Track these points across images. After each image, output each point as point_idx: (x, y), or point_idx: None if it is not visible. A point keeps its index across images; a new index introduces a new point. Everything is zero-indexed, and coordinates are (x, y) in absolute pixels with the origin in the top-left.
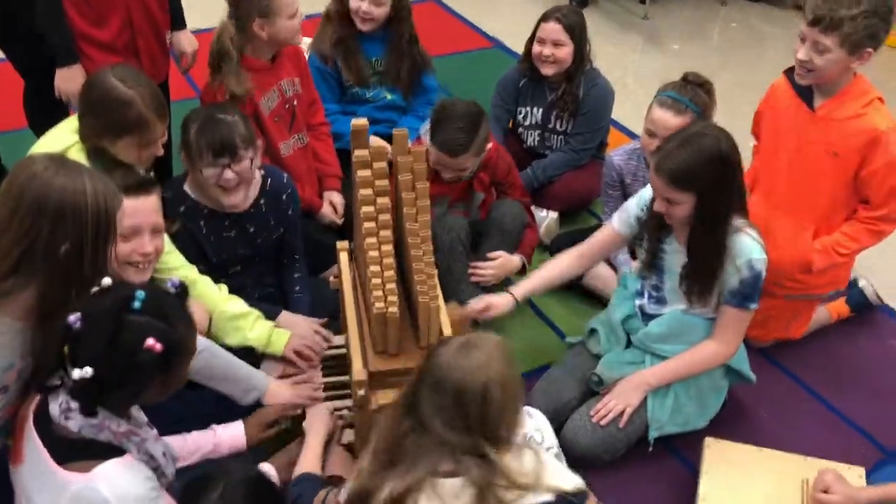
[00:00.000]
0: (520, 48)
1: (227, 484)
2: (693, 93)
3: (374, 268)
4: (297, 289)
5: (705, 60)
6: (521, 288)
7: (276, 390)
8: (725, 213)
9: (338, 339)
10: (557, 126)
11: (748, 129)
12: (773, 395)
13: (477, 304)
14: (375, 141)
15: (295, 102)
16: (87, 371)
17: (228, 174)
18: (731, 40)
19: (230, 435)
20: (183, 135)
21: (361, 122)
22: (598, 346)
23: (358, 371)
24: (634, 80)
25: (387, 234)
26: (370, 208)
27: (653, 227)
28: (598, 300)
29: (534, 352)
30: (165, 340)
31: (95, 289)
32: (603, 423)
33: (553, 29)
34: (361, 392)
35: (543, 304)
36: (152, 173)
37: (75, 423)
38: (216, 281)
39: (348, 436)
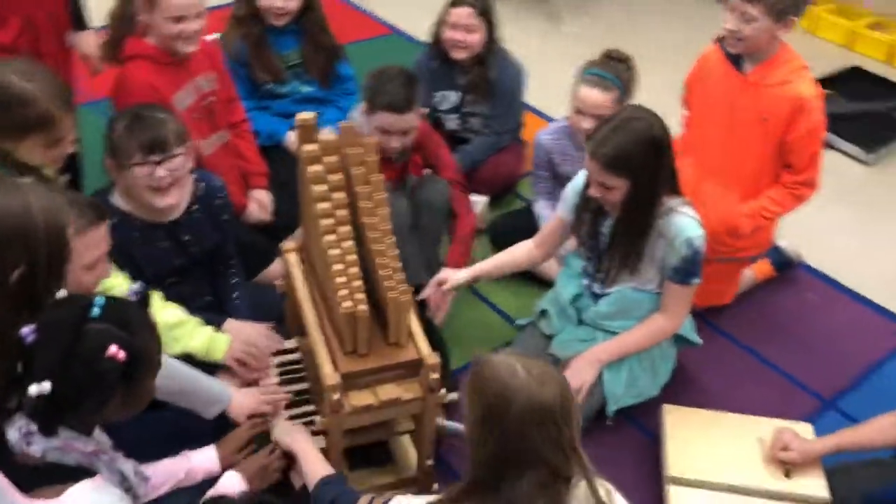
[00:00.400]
0: (417, 32)
1: None
2: (616, 69)
3: (337, 266)
4: (235, 295)
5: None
6: (482, 266)
7: (242, 400)
8: (657, 195)
9: (287, 344)
10: (474, 108)
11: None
12: (714, 357)
13: (435, 279)
14: (324, 134)
15: (213, 99)
16: (45, 386)
17: (161, 172)
18: (629, 20)
19: (203, 460)
20: (109, 137)
21: (308, 115)
22: (550, 327)
23: (329, 375)
24: (537, 62)
25: (346, 230)
26: (326, 205)
27: (589, 212)
28: (539, 282)
29: (482, 336)
30: (128, 348)
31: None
32: None
33: (465, 13)
34: (336, 396)
35: (488, 289)
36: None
37: (38, 447)
38: None
39: (318, 443)
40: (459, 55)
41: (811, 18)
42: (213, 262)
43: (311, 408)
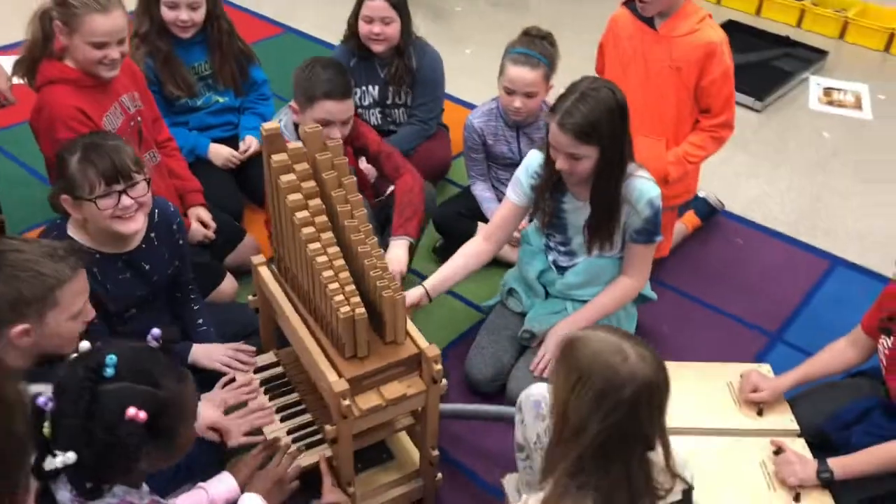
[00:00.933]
0: (306, 28)
1: None
2: (540, 46)
3: (328, 273)
4: (200, 321)
5: (486, 16)
6: (434, 281)
7: (203, 413)
8: (624, 161)
9: (263, 359)
10: (397, 100)
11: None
12: (665, 310)
13: None
14: (290, 143)
15: (140, 119)
16: (70, 457)
17: (126, 201)
18: None
19: (222, 490)
20: (61, 171)
21: (272, 125)
22: (520, 305)
23: (336, 383)
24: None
25: (328, 236)
26: (304, 213)
27: (549, 190)
28: (496, 263)
29: (448, 324)
30: (151, 405)
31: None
32: (545, 374)
33: (380, 6)
34: (346, 402)
35: None
36: None
37: None
38: (113, 327)
39: (309, 457)
40: (378, 48)
41: None
42: (173, 288)
43: (308, 417)
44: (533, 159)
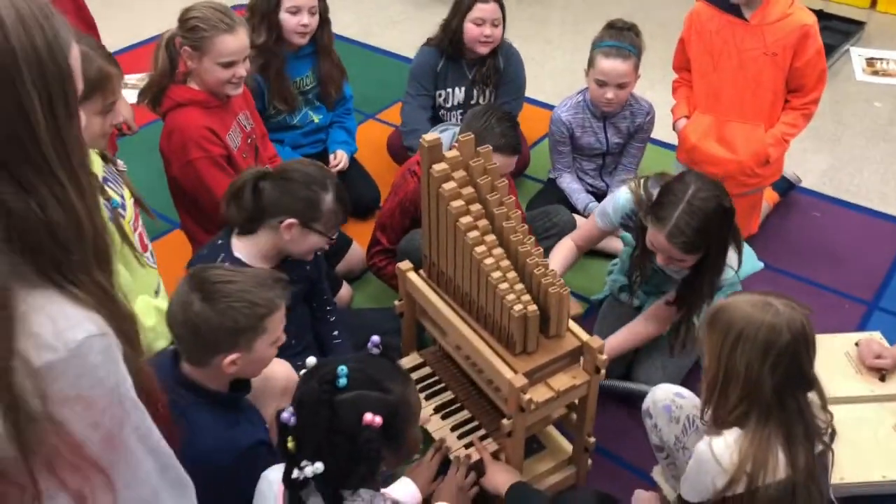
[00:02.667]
0: (352, 34)
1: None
2: (629, 37)
3: (496, 274)
4: (336, 333)
5: (521, 5)
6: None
7: None
8: (723, 255)
9: (408, 361)
10: (481, 100)
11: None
12: (760, 286)
13: None
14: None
15: (254, 136)
16: (318, 466)
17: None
18: None
19: (405, 494)
20: (309, 196)
21: (432, 136)
22: (636, 299)
23: (514, 378)
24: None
25: (492, 238)
26: (468, 218)
27: (642, 273)
28: (594, 254)
29: None
30: (383, 409)
31: (302, 372)
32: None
33: (492, 9)
34: (527, 396)
35: None
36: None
37: None
38: None
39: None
40: (484, 50)
41: None
42: (310, 299)
43: (466, 413)
44: (624, 200)
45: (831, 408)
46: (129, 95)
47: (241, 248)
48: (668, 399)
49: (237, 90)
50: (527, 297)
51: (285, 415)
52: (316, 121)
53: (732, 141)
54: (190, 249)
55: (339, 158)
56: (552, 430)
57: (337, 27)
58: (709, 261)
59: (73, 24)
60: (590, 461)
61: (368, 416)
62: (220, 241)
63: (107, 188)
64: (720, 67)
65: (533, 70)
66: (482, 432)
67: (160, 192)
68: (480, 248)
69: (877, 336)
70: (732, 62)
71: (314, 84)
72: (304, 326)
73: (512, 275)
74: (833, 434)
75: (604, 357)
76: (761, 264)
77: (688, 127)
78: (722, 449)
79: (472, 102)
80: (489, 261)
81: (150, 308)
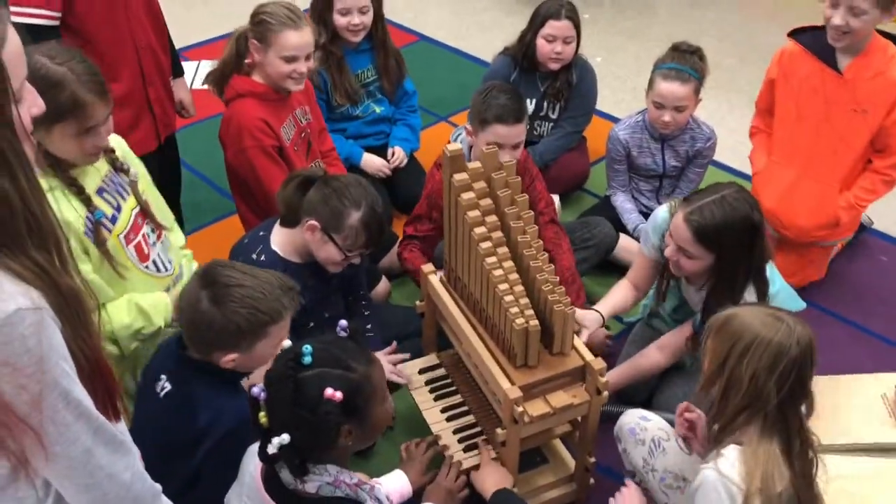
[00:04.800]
0: (443, 38)
1: None
2: (691, 61)
3: (503, 286)
4: (369, 327)
5: (614, 24)
6: (607, 306)
7: None
8: (744, 278)
9: (426, 361)
10: (550, 114)
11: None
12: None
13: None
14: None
15: (309, 131)
16: (285, 438)
17: (358, 259)
18: (632, 2)
19: (396, 485)
20: (337, 208)
21: (455, 147)
22: (663, 324)
23: (510, 389)
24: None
25: (504, 250)
26: (482, 229)
27: (668, 287)
28: (614, 268)
29: None
30: (344, 385)
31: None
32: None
33: (565, 27)
34: (520, 409)
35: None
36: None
37: (313, 484)
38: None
39: (470, 461)
40: (555, 66)
41: None
42: (347, 292)
43: (471, 418)
44: (661, 218)
45: (855, 457)
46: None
47: (279, 239)
48: (633, 422)
49: (298, 86)
50: (530, 312)
51: (255, 390)
52: (378, 111)
53: (804, 201)
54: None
55: (397, 155)
56: (559, 445)
57: (428, 29)
58: (722, 277)
59: (143, 22)
60: (592, 480)
61: (329, 391)
62: (261, 233)
63: (99, 198)
64: (804, 117)
65: (613, 85)
66: (483, 437)
67: (223, 177)
68: (491, 259)
69: None
70: (818, 114)
71: (375, 77)
72: (339, 316)
73: (519, 288)
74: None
75: (604, 380)
76: (803, 304)
77: (762, 182)
78: (729, 469)
79: (542, 114)
80: (498, 272)
81: (130, 306)
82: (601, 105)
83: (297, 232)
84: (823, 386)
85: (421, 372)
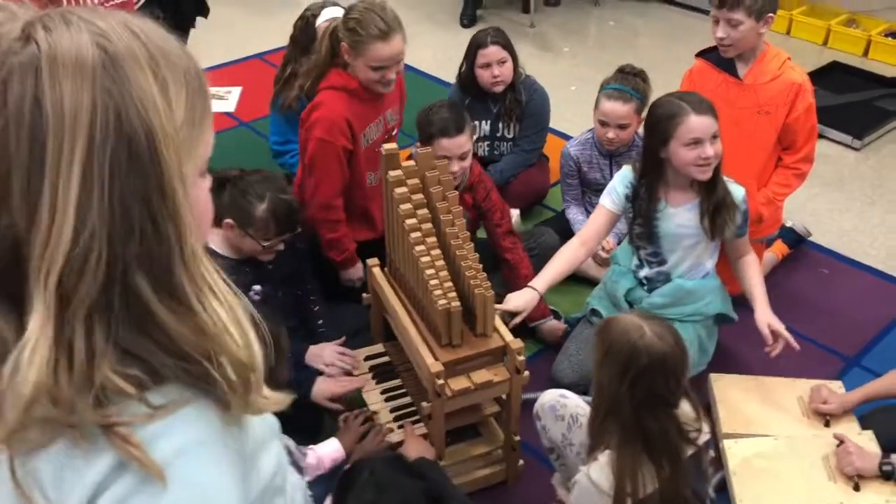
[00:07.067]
0: (427, 68)
1: (375, 464)
2: (633, 82)
3: (430, 271)
4: (320, 322)
5: (593, 57)
6: (542, 281)
7: (323, 386)
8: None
9: (373, 349)
10: (506, 133)
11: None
12: (747, 331)
13: (504, 305)
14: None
15: (394, 132)
16: None
17: (281, 246)
18: (610, 37)
19: (329, 451)
20: (243, 205)
21: (392, 146)
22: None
23: (432, 364)
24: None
25: (432, 240)
26: (413, 220)
27: (650, 204)
28: (578, 280)
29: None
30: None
31: None
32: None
33: (495, 51)
34: (440, 382)
35: None
36: None
37: None
38: None
39: (397, 436)
40: (498, 88)
41: (787, 21)
42: (295, 288)
43: (408, 400)
44: (627, 171)
45: (769, 439)
46: (216, 104)
47: (215, 238)
48: (553, 400)
49: (387, 89)
50: (453, 294)
51: None
52: None
53: None
54: None
55: None
56: (494, 426)
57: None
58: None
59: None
60: (522, 462)
61: None
62: None
63: None
64: None
65: (582, 111)
66: (417, 417)
67: None
68: (420, 247)
69: (836, 385)
70: (727, 120)
71: None
72: (289, 310)
73: (444, 273)
74: (710, 441)
75: (521, 358)
76: (735, 316)
77: None
78: (598, 473)
79: (499, 135)
80: (425, 258)
81: None
82: (570, 129)
83: (226, 234)
84: (747, 383)
85: (366, 359)
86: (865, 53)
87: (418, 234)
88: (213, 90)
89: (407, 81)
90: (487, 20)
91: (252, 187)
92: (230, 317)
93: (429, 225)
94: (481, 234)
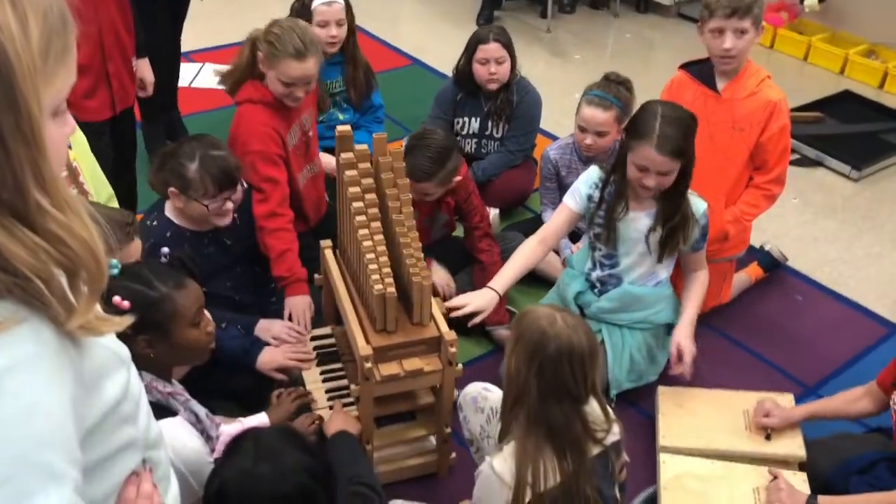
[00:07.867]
0: (435, 63)
1: (262, 433)
2: (616, 90)
3: (370, 255)
4: (273, 299)
5: (605, 67)
6: (501, 282)
7: (268, 356)
8: (691, 170)
9: (321, 331)
10: (494, 133)
11: None
12: (708, 350)
13: (457, 302)
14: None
15: (311, 134)
16: None
17: (229, 205)
18: (625, 48)
19: (257, 424)
20: (177, 169)
21: (345, 128)
22: (592, 297)
23: (363, 347)
24: (544, 87)
25: (376, 225)
26: (360, 203)
27: (613, 204)
28: (541, 281)
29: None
30: (137, 299)
31: None
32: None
33: (495, 48)
34: (368, 365)
35: None
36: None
37: None
38: None
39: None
40: (493, 86)
41: (806, 46)
42: (252, 261)
43: (345, 382)
44: (593, 172)
45: (707, 461)
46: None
47: (172, 210)
48: (475, 392)
49: (294, 104)
50: (390, 280)
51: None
52: (341, 118)
53: None
54: None
55: None
56: (428, 417)
57: (424, 55)
58: (682, 175)
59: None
60: (454, 454)
61: (116, 299)
62: (163, 203)
63: None
64: None
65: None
66: (351, 400)
67: None
68: (363, 231)
69: (786, 399)
70: (703, 133)
71: (342, 88)
72: (246, 286)
73: (384, 259)
74: (618, 443)
75: (454, 350)
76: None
77: None
78: (501, 465)
79: (487, 133)
80: (367, 243)
81: None
82: (565, 134)
83: (175, 205)
84: (695, 396)
85: (312, 339)
86: (881, 85)
87: (363, 217)
88: (218, 67)
89: (418, 77)
90: (504, 21)
91: (180, 149)
92: (87, 236)
93: (375, 210)
94: (458, 232)
